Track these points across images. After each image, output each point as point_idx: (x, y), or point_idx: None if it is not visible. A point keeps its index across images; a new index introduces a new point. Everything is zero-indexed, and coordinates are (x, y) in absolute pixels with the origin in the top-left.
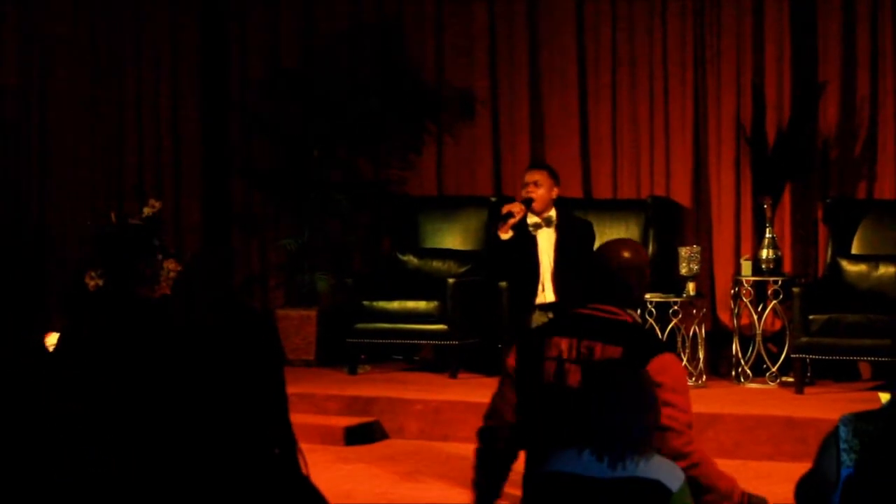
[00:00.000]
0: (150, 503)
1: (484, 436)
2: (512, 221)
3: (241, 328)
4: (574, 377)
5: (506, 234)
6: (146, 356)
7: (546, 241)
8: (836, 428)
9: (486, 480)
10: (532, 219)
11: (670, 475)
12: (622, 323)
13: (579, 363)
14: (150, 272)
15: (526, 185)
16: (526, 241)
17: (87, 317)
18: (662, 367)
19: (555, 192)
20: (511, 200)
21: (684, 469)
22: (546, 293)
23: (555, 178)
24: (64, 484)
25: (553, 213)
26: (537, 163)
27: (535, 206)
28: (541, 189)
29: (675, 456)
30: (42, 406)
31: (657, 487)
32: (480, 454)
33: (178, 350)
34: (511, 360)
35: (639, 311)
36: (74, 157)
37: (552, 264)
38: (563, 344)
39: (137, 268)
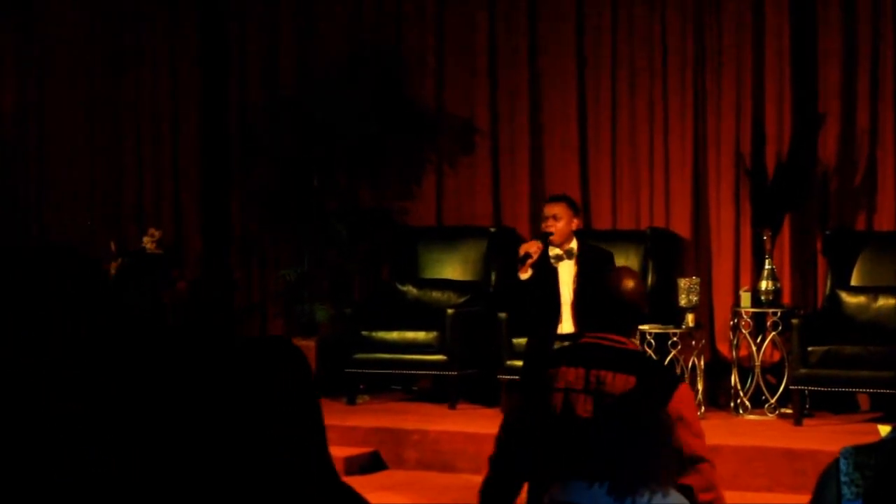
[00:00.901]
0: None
1: (496, 463)
2: (530, 261)
3: (277, 355)
4: (582, 408)
5: (525, 275)
6: (174, 378)
7: (567, 273)
8: (837, 461)
9: None
10: (553, 251)
11: None
12: (630, 352)
13: (588, 393)
14: (172, 301)
15: (545, 218)
16: (547, 274)
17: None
18: (684, 400)
19: (575, 224)
20: (512, 233)
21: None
22: (564, 324)
23: (574, 209)
24: (64, 484)
25: (574, 244)
26: (556, 195)
27: (555, 238)
28: (560, 222)
29: (710, 488)
30: (42, 406)
31: None
32: (488, 482)
33: (212, 372)
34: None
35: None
36: (70, 170)
37: (571, 295)
38: (571, 374)
39: (158, 296)
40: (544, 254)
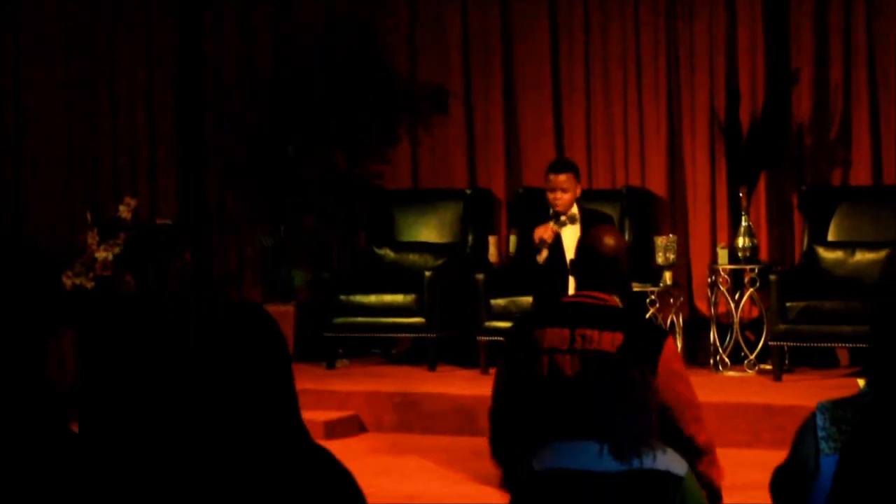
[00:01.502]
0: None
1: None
2: (546, 246)
3: (247, 321)
4: (569, 368)
5: (543, 257)
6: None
7: (571, 238)
8: (813, 415)
9: None
10: None
11: (676, 463)
12: (614, 308)
13: (574, 353)
14: (178, 272)
15: (553, 190)
16: (554, 244)
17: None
18: (673, 353)
19: (579, 190)
20: (488, 194)
21: (706, 463)
22: (571, 289)
23: (578, 175)
24: (63, 483)
25: (575, 209)
26: (562, 163)
27: (560, 208)
28: (567, 194)
29: (710, 448)
30: (40, 402)
31: (667, 477)
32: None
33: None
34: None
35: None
36: (48, 154)
37: None
38: (555, 336)
39: (167, 268)
40: (557, 235)
